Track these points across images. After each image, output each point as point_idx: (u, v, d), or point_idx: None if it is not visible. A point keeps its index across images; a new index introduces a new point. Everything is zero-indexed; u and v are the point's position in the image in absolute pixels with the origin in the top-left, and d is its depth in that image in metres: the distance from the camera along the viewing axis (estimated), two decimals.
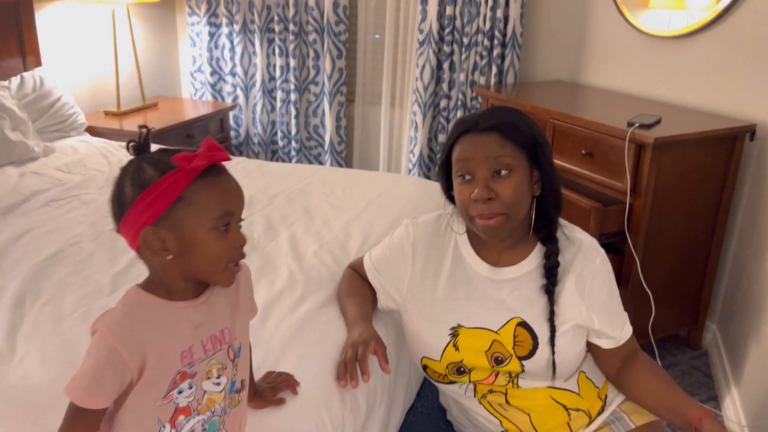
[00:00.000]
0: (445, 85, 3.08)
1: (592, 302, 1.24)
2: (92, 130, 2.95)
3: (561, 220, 1.29)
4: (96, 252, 1.69)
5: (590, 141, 2.21)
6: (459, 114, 3.06)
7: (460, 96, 3.04)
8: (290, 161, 3.59)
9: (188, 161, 0.82)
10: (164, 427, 0.86)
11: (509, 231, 1.21)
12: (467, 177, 1.18)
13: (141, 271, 1.60)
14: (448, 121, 3.14)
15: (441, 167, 1.27)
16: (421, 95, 3.11)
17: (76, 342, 1.28)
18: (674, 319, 2.39)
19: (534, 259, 1.26)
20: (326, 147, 3.50)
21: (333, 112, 3.40)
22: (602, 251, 1.27)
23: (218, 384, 0.90)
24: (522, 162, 1.18)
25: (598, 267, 1.25)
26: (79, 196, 2.11)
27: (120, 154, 2.58)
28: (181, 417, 0.87)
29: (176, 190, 0.81)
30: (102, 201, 2.06)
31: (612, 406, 1.33)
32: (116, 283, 1.53)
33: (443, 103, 3.11)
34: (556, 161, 2.33)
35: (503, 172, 1.16)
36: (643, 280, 2.15)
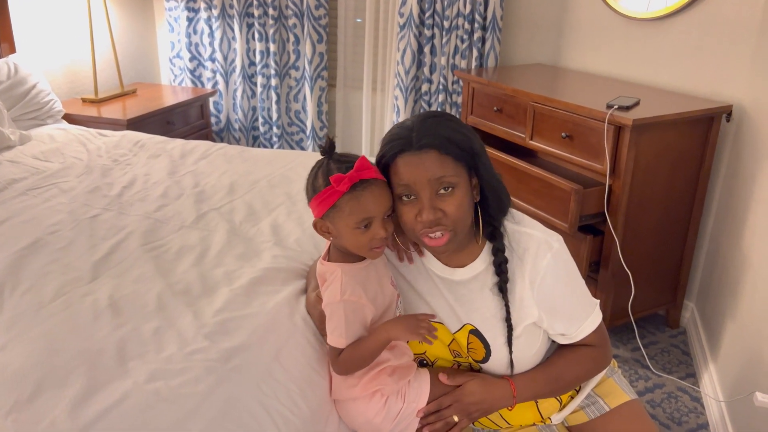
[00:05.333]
0: (426, 69, 3.07)
1: (542, 301, 1.22)
2: (69, 118, 2.91)
3: (516, 214, 1.26)
4: (76, 240, 1.67)
5: (570, 124, 2.22)
6: (440, 98, 3.06)
7: (442, 80, 3.04)
8: (272, 147, 3.57)
9: (338, 183, 1.09)
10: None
11: (456, 244, 1.18)
12: (411, 197, 1.14)
13: (121, 258, 1.60)
14: (429, 105, 3.14)
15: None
16: (403, 79, 3.11)
17: (57, 329, 1.26)
18: (653, 299, 2.42)
19: (484, 260, 1.24)
20: (308, 132, 3.48)
21: (314, 97, 3.38)
22: (555, 246, 1.21)
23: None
24: (462, 175, 1.13)
25: (549, 264, 1.20)
26: (58, 184, 2.08)
27: (99, 142, 2.54)
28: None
29: (330, 201, 1.12)
30: (80, 189, 2.04)
31: (586, 390, 1.35)
32: (97, 271, 1.51)
33: (425, 87, 3.10)
34: (537, 144, 2.38)
35: (447, 189, 1.12)
36: (623, 260, 2.18)
